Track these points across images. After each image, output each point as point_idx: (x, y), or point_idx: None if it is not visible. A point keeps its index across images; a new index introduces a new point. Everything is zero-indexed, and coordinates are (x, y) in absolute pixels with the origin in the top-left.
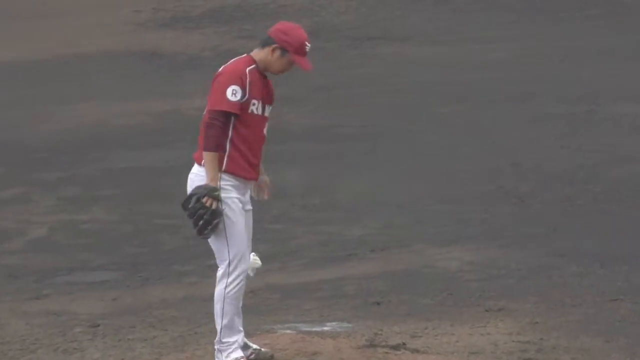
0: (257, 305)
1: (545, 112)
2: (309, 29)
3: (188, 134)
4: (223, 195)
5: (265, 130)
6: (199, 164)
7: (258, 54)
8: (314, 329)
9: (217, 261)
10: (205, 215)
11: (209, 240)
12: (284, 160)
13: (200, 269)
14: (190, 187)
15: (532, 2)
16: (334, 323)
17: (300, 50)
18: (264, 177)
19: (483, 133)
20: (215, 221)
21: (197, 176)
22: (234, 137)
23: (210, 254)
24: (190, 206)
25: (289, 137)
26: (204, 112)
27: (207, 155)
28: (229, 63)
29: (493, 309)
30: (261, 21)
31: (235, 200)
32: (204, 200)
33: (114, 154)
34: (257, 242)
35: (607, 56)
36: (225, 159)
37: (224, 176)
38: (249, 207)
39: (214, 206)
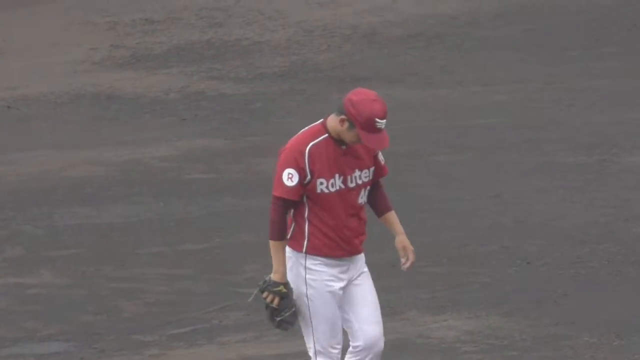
0: None
1: (553, 162)
2: (285, 69)
3: (150, 186)
4: (308, 276)
5: (359, 198)
6: (289, 247)
7: (332, 120)
8: None
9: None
10: (267, 309)
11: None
12: (258, 215)
13: (163, 340)
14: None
15: (537, 39)
16: None
17: (368, 127)
18: (400, 239)
19: (484, 185)
20: (279, 319)
21: (287, 256)
22: (310, 216)
23: (174, 322)
24: (251, 298)
25: (264, 190)
26: None
27: (270, 244)
28: (298, 134)
29: None
30: (232, 59)
31: (322, 281)
32: (264, 295)
33: (63, 210)
34: (230, 309)
35: (623, 100)
36: (305, 242)
37: (308, 257)
38: (359, 275)
39: (274, 303)
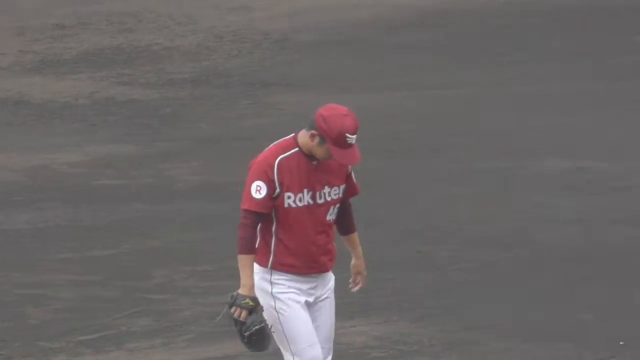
0: None
1: (467, 167)
2: (196, 75)
3: (59, 192)
4: (274, 290)
5: (328, 215)
6: (258, 263)
7: (303, 135)
8: None
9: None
10: (235, 326)
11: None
12: (168, 221)
13: (70, 346)
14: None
15: (451, 45)
16: None
17: (338, 142)
18: (357, 263)
19: (400, 191)
20: (247, 333)
21: (255, 275)
22: (277, 231)
23: (82, 329)
24: (220, 316)
25: (173, 195)
26: None
27: (238, 258)
28: (268, 147)
29: None
30: (143, 65)
31: (290, 294)
32: (232, 310)
33: None
34: (138, 315)
35: (535, 106)
36: (271, 257)
37: (274, 272)
38: (325, 297)
39: (242, 317)
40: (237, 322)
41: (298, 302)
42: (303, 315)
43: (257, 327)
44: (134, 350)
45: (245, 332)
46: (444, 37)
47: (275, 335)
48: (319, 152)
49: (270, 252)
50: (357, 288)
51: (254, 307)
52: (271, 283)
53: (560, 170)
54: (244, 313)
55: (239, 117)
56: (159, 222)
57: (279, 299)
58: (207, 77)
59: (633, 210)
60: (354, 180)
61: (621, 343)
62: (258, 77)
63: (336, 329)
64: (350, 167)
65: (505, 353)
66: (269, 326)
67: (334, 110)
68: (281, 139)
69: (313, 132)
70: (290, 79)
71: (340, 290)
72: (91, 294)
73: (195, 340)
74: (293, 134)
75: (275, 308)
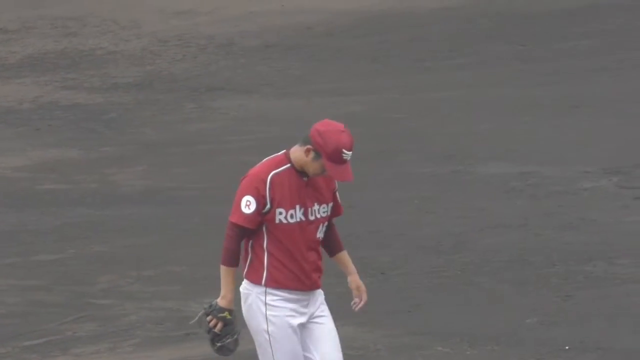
0: None
1: (408, 172)
2: (140, 79)
3: (3, 196)
4: (268, 312)
5: (318, 233)
6: (247, 279)
7: (296, 151)
8: None
9: None
10: (207, 333)
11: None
12: (113, 226)
13: (16, 352)
14: (242, 305)
15: (392, 49)
16: None
17: (334, 157)
18: (353, 278)
19: (342, 195)
20: (219, 344)
21: (244, 289)
22: (269, 247)
23: (27, 334)
24: (195, 319)
25: (118, 200)
26: None
27: (221, 269)
28: (259, 163)
29: None
30: (87, 69)
31: (283, 317)
32: (208, 319)
33: None
34: (84, 320)
35: (477, 110)
36: (265, 273)
37: (269, 290)
38: (321, 314)
39: (217, 328)
40: (210, 330)
41: (291, 326)
42: (294, 340)
43: (229, 340)
44: (80, 355)
45: (218, 342)
46: (386, 42)
47: (261, 356)
48: (313, 167)
49: (263, 268)
50: (361, 304)
51: (231, 320)
52: (266, 305)
53: (503, 174)
54: (219, 325)
55: (183, 122)
56: (104, 227)
57: (272, 322)
58: (151, 82)
59: (576, 215)
60: (339, 200)
61: (566, 348)
62: (203, 82)
63: None
64: (336, 185)
65: (449, 358)
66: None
67: (331, 126)
68: (273, 155)
69: (309, 147)
70: (234, 83)
71: None
72: (36, 299)
73: (141, 345)
74: (284, 150)
75: (267, 331)
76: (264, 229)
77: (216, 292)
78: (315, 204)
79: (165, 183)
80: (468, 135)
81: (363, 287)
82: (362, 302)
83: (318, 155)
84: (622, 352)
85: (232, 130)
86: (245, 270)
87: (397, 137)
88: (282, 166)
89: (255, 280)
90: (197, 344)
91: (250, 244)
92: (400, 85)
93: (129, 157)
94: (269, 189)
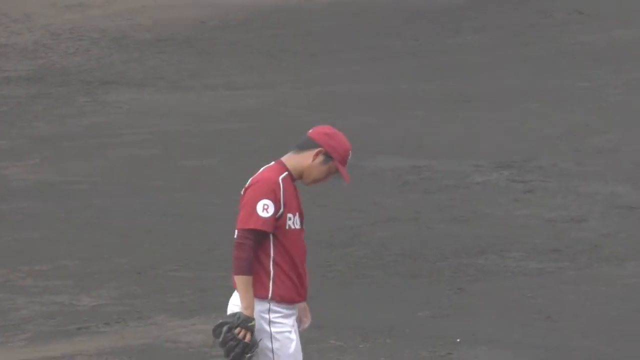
0: None
1: None
2: (32, 73)
3: None
4: (273, 330)
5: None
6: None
7: (292, 158)
8: None
9: None
10: (237, 348)
11: None
12: (4, 220)
13: None
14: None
15: (285, 44)
16: None
17: (344, 159)
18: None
19: (232, 190)
20: (249, 355)
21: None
22: (276, 258)
23: None
24: (221, 336)
25: (9, 194)
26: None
27: (239, 280)
28: (258, 172)
29: None
30: None
31: (286, 334)
32: (236, 331)
33: None
34: None
35: (369, 104)
36: (271, 285)
37: (273, 307)
38: (296, 330)
39: (247, 338)
40: (238, 342)
41: (292, 340)
42: (297, 356)
43: (256, 349)
44: None
45: (248, 352)
46: (279, 37)
47: None
48: (318, 171)
49: (269, 280)
50: (307, 325)
51: (254, 329)
52: (270, 323)
53: (396, 168)
54: (248, 335)
55: (76, 116)
56: None
57: (277, 339)
58: (43, 75)
59: (468, 208)
60: None
61: (458, 340)
62: (96, 75)
63: (176, 327)
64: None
65: (342, 351)
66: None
67: (333, 129)
68: (268, 165)
69: (320, 149)
70: (128, 77)
71: (179, 289)
72: None
73: (33, 339)
74: (274, 162)
75: (272, 350)
76: (271, 237)
77: (108, 285)
78: (302, 217)
79: (57, 177)
80: (360, 129)
81: (307, 307)
82: (308, 322)
83: (329, 158)
84: (512, 344)
85: (125, 124)
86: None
87: (291, 132)
88: (282, 173)
89: (261, 295)
90: (88, 337)
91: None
92: (294, 80)
93: (21, 151)
94: (283, 192)
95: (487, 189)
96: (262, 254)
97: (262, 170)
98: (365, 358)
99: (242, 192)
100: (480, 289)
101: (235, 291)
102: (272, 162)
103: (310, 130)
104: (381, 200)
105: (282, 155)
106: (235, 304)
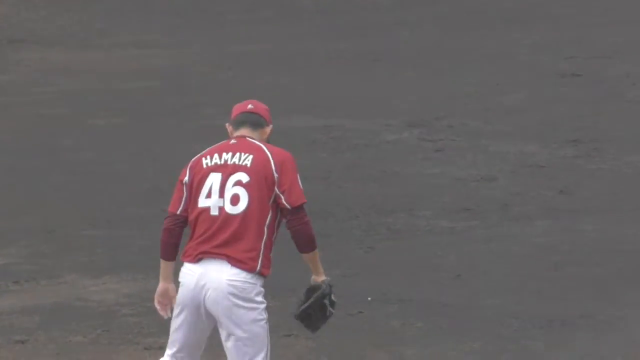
0: None
1: (211, 125)
2: None
3: None
4: (264, 305)
5: None
6: (243, 268)
7: (254, 135)
8: None
9: None
10: (329, 310)
11: (247, 347)
12: None
13: None
14: (232, 298)
15: (196, 3)
16: None
17: None
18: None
19: (142, 149)
20: (329, 314)
21: (244, 284)
22: (276, 230)
23: None
24: (327, 309)
25: None
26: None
27: (313, 255)
28: (266, 145)
29: (153, 346)
30: None
31: None
32: (333, 297)
33: None
34: None
35: (279, 64)
36: (270, 261)
37: (264, 282)
38: None
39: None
40: (323, 306)
41: None
42: None
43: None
44: None
45: (333, 309)
46: None
47: (249, 347)
48: None
49: (270, 255)
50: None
51: None
52: (264, 297)
53: (306, 128)
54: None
55: None
56: None
57: (266, 312)
58: None
59: (378, 167)
60: None
61: (369, 299)
62: (4, 34)
63: (87, 286)
64: None
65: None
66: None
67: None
68: (251, 139)
69: (271, 127)
70: (36, 35)
71: (90, 248)
72: None
73: None
74: (247, 138)
75: (266, 320)
76: (277, 210)
77: (17, 244)
78: None
79: None
80: (271, 88)
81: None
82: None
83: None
84: (422, 302)
85: (33, 83)
86: (260, 262)
87: (201, 91)
88: None
89: (265, 272)
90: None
91: (266, 233)
92: (205, 39)
93: None
94: None
95: (397, 148)
96: (271, 230)
97: (269, 145)
98: (276, 317)
99: (242, 161)
100: (390, 247)
101: (232, 267)
102: (247, 138)
103: (251, 107)
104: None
105: (194, 114)
106: (238, 281)
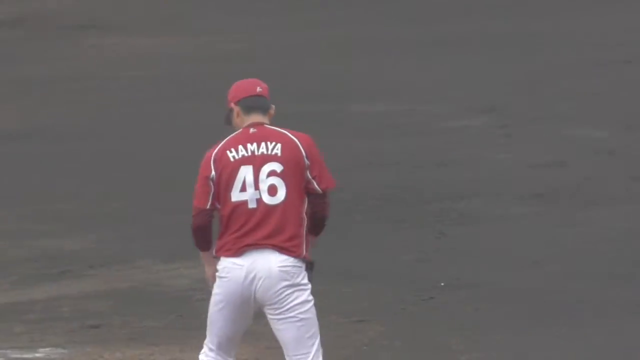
0: None
1: (285, 111)
2: (13, 17)
3: None
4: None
5: None
6: (290, 254)
7: (266, 119)
8: (24, 356)
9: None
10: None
11: (304, 330)
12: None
13: None
14: (284, 283)
15: None
16: (47, 349)
17: None
18: None
19: (215, 134)
20: None
21: (293, 268)
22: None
23: None
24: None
25: None
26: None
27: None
28: (288, 130)
29: None
30: None
31: None
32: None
33: None
34: None
35: (354, 49)
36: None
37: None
38: None
39: None
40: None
41: None
42: None
43: None
44: None
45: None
46: None
47: (307, 331)
48: None
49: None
50: None
51: None
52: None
53: (378, 113)
54: None
55: (57, 60)
56: None
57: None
58: (23, 19)
59: (449, 152)
60: None
61: (441, 284)
62: (75, 19)
63: (159, 271)
64: None
65: (326, 295)
66: None
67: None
68: (270, 127)
69: (274, 107)
70: (108, 21)
71: (164, 235)
72: None
73: (18, 283)
74: (266, 125)
75: (314, 304)
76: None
77: (93, 229)
78: None
79: (40, 121)
80: (341, 74)
81: None
82: None
83: None
84: (494, 288)
85: (103, 69)
86: (303, 248)
87: (274, 76)
88: None
89: (308, 256)
90: (73, 281)
91: (305, 219)
92: (273, 24)
93: (3, 96)
94: None
95: (468, 133)
96: (302, 213)
97: (285, 129)
98: (349, 302)
99: (270, 150)
100: (462, 233)
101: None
102: (265, 126)
103: (260, 90)
104: (363, 145)
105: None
106: (288, 266)
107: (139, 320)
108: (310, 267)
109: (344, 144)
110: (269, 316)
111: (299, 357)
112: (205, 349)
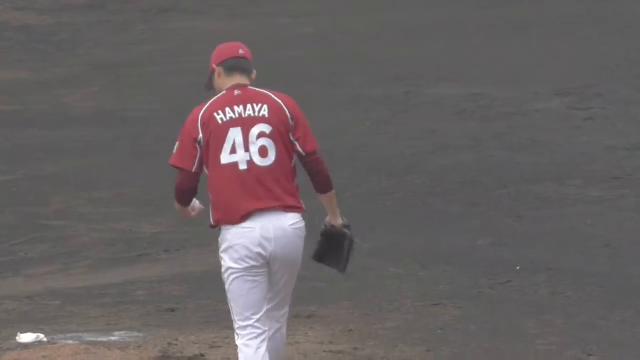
0: (34, 313)
1: (359, 94)
2: (92, 0)
3: None
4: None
5: None
6: (295, 211)
7: (248, 81)
8: (99, 339)
9: (282, 307)
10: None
11: (287, 288)
12: (64, 147)
13: None
14: (299, 240)
15: None
16: (122, 332)
17: None
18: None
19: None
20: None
21: (301, 222)
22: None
23: None
24: (348, 252)
25: (70, 122)
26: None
27: (332, 193)
28: (271, 91)
29: (302, 314)
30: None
31: None
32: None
33: None
34: (36, 241)
35: (427, 33)
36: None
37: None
38: None
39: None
40: (351, 249)
41: None
42: None
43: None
44: (32, 276)
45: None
46: None
47: (290, 287)
48: None
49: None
50: None
51: None
52: None
53: (454, 96)
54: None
55: (134, 43)
56: (55, 148)
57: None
58: (102, 2)
59: (526, 136)
60: None
61: (517, 267)
62: (153, 3)
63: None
64: None
65: (400, 279)
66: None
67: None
68: (254, 89)
69: (255, 71)
70: (185, 4)
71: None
72: None
73: (93, 266)
74: (249, 87)
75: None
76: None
77: (168, 213)
78: None
79: (116, 104)
80: (418, 57)
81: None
82: None
83: None
84: (571, 271)
85: (182, 52)
86: (298, 199)
87: (348, 60)
88: None
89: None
90: (148, 264)
91: (292, 174)
92: (351, 8)
93: (80, 79)
94: None
95: (546, 117)
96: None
97: (272, 92)
98: (425, 286)
99: (253, 112)
100: (539, 216)
101: (289, 214)
102: (249, 87)
103: (242, 52)
104: (440, 128)
105: (341, 82)
106: (297, 227)
107: (214, 303)
108: (350, 234)
109: (422, 127)
110: (276, 269)
111: (284, 310)
112: (238, 332)
